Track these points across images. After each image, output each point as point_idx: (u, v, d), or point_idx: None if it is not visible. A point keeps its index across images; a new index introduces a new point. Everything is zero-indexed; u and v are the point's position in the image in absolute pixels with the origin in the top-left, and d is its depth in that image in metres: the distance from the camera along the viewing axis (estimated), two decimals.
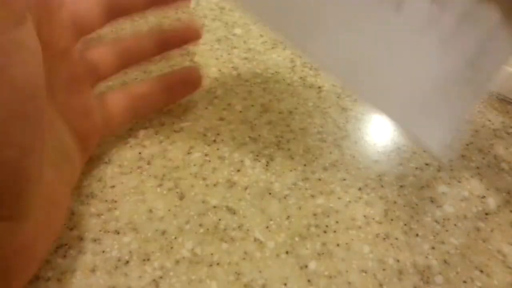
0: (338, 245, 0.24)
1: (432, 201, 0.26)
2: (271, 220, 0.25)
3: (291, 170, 0.28)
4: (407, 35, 0.21)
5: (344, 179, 0.27)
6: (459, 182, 0.28)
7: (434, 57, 0.22)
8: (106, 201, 0.25)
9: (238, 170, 0.27)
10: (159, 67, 0.33)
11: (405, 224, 0.25)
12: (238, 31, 0.38)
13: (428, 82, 0.22)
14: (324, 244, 0.24)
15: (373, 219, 0.25)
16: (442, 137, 0.22)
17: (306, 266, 0.23)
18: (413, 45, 0.22)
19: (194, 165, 0.28)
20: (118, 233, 0.24)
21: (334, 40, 0.21)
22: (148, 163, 0.27)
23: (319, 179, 0.27)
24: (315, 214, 0.25)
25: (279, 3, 0.20)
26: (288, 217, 0.25)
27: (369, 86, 0.22)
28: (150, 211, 0.25)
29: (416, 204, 0.26)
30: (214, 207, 0.25)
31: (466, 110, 0.23)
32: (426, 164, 0.28)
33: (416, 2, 0.21)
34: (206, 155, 0.28)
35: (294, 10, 0.21)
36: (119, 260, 0.23)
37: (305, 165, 0.28)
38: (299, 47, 0.22)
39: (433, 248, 0.24)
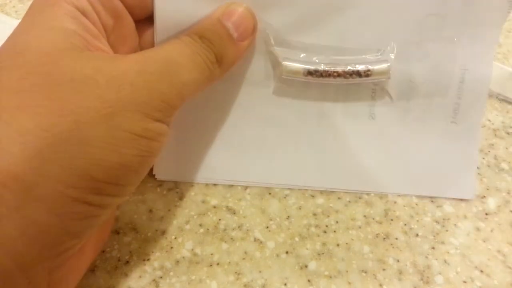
0: (338, 245, 0.24)
1: (432, 201, 0.26)
2: (271, 220, 0.25)
3: None
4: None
5: None
6: None
7: None
8: None
9: None
10: None
11: (405, 224, 0.25)
12: None
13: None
14: (324, 244, 0.24)
15: (373, 219, 0.25)
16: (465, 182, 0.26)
17: (306, 266, 0.23)
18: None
19: None
20: (118, 233, 0.24)
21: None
22: None
23: None
24: (315, 214, 0.25)
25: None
26: (288, 217, 0.25)
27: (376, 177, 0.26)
28: (150, 211, 0.25)
29: (416, 204, 0.26)
30: (214, 207, 0.25)
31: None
32: None
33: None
34: None
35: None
36: (119, 260, 0.23)
37: None
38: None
39: (433, 248, 0.24)
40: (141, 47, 0.23)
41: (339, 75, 0.23)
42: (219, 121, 0.25)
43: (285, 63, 0.23)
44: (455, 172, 0.26)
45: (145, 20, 0.22)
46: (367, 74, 0.23)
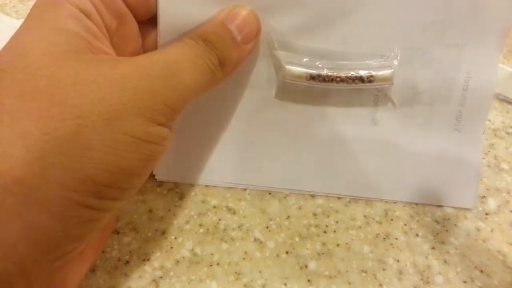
0: (338, 245, 0.24)
1: None
2: (271, 220, 0.25)
3: None
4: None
5: None
6: None
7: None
8: None
9: None
10: None
11: (405, 224, 0.25)
12: None
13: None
14: (324, 244, 0.24)
15: (373, 219, 0.25)
16: (470, 192, 0.26)
17: (306, 266, 0.23)
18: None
19: None
20: (118, 233, 0.24)
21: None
22: None
23: None
24: (315, 214, 0.25)
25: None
26: (288, 217, 0.25)
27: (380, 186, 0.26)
28: (150, 211, 0.25)
29: (416, 204, 0.26)
30: (214, 207, 0.25)
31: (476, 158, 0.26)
32: None
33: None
34: None
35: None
36: (119, 260, 0.23)
37: None
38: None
39: (433, 248, 0.24)
40: (144, 49, 0.23)
41: (342, 80, 0.23)
42: (221, 124, 0.25)
43: (288, 67, 0.23)
44: (457, 181, 0.25)
45: (148, 21, 0.22)
46: (370, 80, 0.23)
